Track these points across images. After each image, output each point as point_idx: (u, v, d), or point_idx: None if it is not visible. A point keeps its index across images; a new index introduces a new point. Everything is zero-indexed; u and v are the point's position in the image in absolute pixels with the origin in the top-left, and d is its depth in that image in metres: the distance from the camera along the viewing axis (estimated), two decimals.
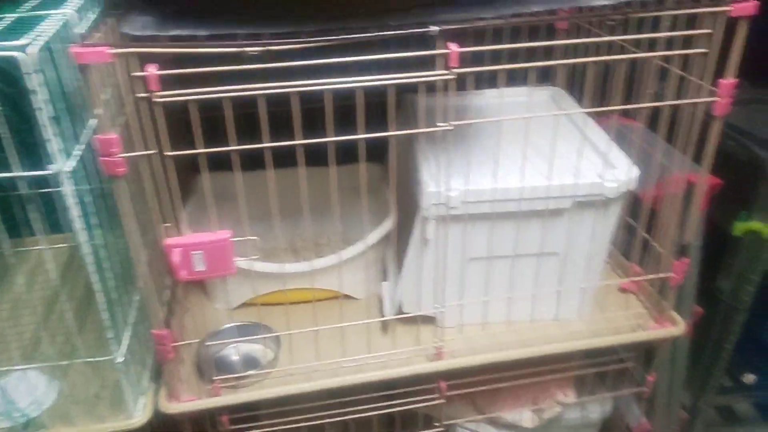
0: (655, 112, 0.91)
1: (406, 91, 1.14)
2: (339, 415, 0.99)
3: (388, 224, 1.08)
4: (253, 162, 0.78)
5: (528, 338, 1.01)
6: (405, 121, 1.18)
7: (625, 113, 0.93)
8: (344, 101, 0.76)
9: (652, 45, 0.85)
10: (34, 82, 0.61)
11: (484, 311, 1.00)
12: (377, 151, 0.94)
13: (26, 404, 0.87)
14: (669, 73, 0.89)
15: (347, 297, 1.12)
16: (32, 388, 0.90)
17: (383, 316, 1.03)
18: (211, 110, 0.72)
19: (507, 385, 1.03)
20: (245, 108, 0.75)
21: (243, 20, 0.72)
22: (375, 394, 1.01)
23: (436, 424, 1.06)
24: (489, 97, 1.18)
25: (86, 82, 0.67)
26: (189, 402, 0.90)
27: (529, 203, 0.92)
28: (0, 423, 0.85)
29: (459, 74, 0.75)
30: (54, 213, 0.75)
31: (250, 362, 0.99)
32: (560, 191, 0.91)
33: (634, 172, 0.93)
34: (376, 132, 0.78)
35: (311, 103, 0.75)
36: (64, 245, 1.11)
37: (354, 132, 0.77)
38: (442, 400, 1.01)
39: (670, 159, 0.95)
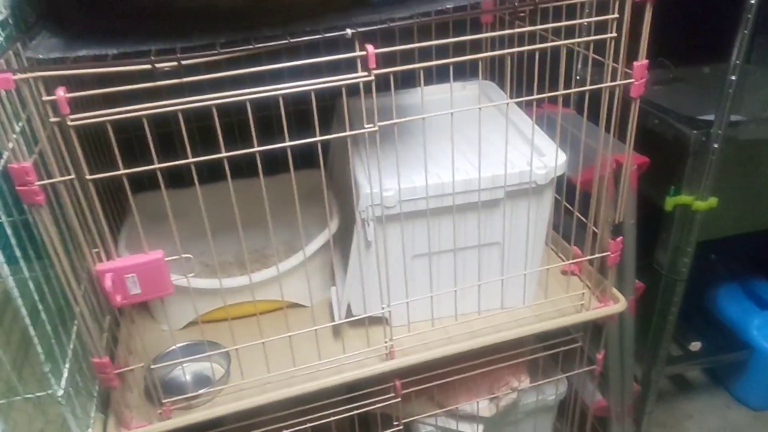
0: (582, 97, 0.94)
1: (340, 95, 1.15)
2: (299, 423, 0.98)
3: (328, 230, 1.08)
4: (188, 178, 0.77)
5: (477, 329, 1.02)
6: (339, 125, 1.18)
7: (553, 101, 0.95)
8: (267, 111, 0.76)
9: (569, 33, 0.88)
10: None
11: (432, 307, 1.01)
12: (315, 158, 0.94)
13: None
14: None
15: (296, 305, 1.11)
16: None
17: (334, 322, 1.03)
18: (132, 130, 0.71)
19: (461, 377, 1.04)
20: (165, 126, 0.74)
21: (153, 36, 0.70)
22: (333, 399, 1.01)
23: (395, 423, 1.06)
24: (417, 95, 1.19)
25: (5, 108, 0.65)
26: (139, 428, 0.88)
27: (464, 196, 0.93)
28: None
29: (378, 75, 0.75)
30: None
31: (203, 381, 0.97)
32: (492, 182, 0.92)
33: (562, 157, 0.95)
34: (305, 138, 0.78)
35: (235, 115, 0.74)
36: None
37: (281, 141, 0.76)
38: (398, 399, 1.01)
39: (599, 142, 0.98)
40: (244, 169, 0.84)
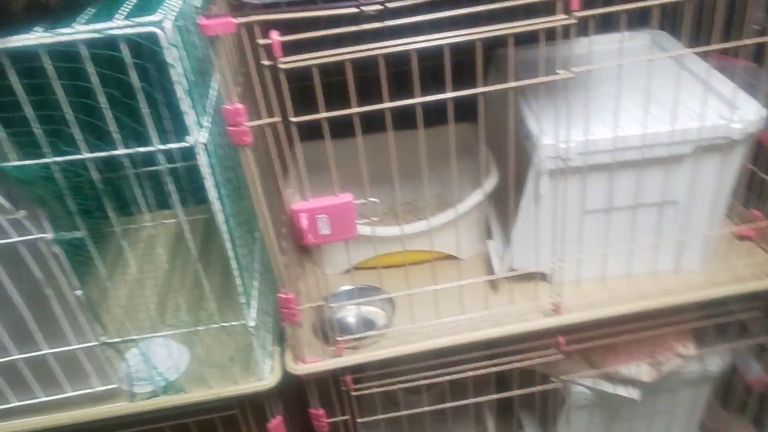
0: (761, 50, 0.85)
1: (496, 46, 1.12)
2: (456, 372, 1.00)
3: (490, 183, 1.07)
4: (346, 129, 0.78)
5: (647, 291, 0.98)
6: (497, 76, 1.15)
7: (725, 52, 0.87)
8: (430, 61, 0.74)
9: None
10: (171, 55, 0.63)
11: (602, 265, 0.98)
12: (467, 112, 0.92)
13: (165, 369, 0.92)
14: None
15: (448, 258, 1.12)
16: (168, 355, 0.95)
17: (492, 275, 1.02)
18: (333, 74, 0.72)
19: (625, 339, 1.01)
20: (358, 71, 0.75)
21: None
22: (489, 351, 1.02)
23: (553, 380, 1.05)
24: (586, 45, 1.14)
25: (215, 53, 0.68)
26: (314, 363, 0.93)
27: (647, 151, 0.88)
28: (143, 387, 0.91)
29: (579, 18, 0.72)
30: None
31: (367, 323, 1.01)
32: (683, 136, 0.87)
33: (763, 112, 0.87)
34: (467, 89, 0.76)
35: (398, 65, 0.73)
36: (173, 220, 1.16)
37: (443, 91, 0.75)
38: (560, 356, 1.00)
39: None
40: (400, 120, 0.84)
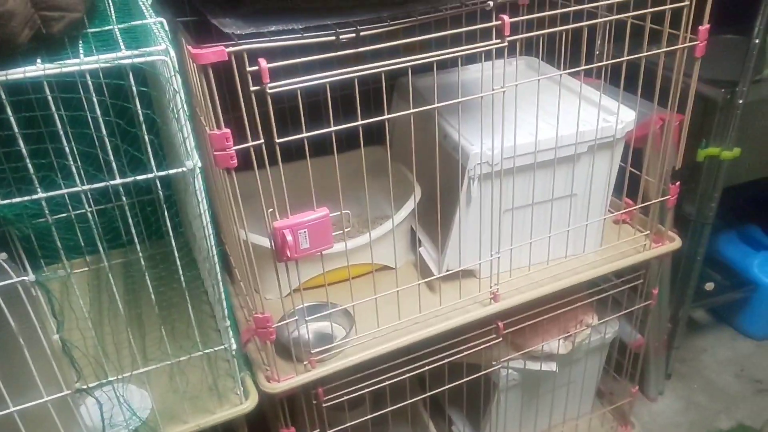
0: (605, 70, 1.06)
1: (398, 76, 1.25)
2: (414, 369, 1.08)
3: (417, 196, 1.18)
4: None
5: (560, 272, 1.15)
6: (399, 102, 1.29)
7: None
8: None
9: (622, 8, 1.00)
10: (176, 82, 0.65)
11: (525, 255, 1.13)
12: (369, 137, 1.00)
13: (137, 409, 0.89)
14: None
15: (385, 268, 1.21)
16: (131, 396, 0.92)
17: (425, 278, 1.11)
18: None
19: (548, 316, 1.17)
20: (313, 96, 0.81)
21: (327, 12, 0.79)
22: (431, 348, 1.11)
23: (494, 364, 1.18)
24: (476, 71, 1.31)
25: (206, 81, 0.72)
26: (287, 380, 0.96)
27: (559, 151, 1.05)
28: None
29: (510, 42, 0.87)
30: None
31: (325, 338, 1.05)
32: (582, 137, 1.05)
33: (631, 114, 1.09)
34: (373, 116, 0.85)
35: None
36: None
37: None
38: (499, 340, 1.13)
39: (637, 104, 1.11)
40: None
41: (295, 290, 0.99)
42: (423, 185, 1.18)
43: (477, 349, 1.12)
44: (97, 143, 0.71)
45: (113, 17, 0.75)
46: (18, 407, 0.77)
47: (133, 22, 0.74)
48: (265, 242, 0.92)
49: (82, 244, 0.77)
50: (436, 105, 0.90)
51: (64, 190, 0.65)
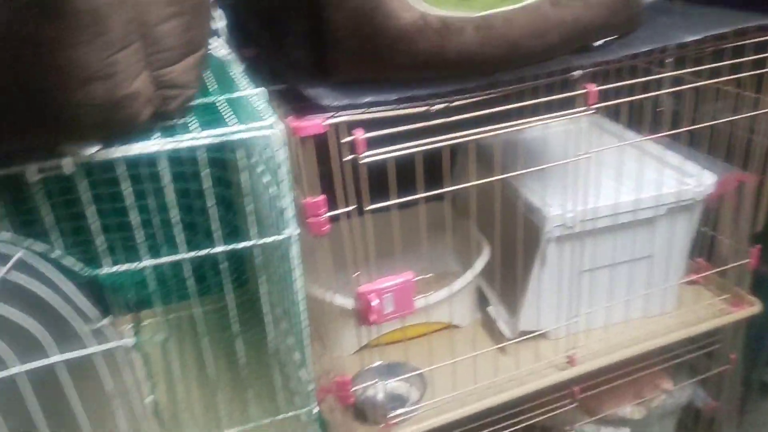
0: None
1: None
2: None
3: (485, 255, 1.18)
4: None
5: (638, 335, 1.12)
6: (463, 162, 1.30)
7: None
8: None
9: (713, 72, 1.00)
10: (282, 155, 0.67)
11: (603, 317, 1.11)
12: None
13: None
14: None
15: (447, 327, 1.19)
16: None
17: (492, 337, 1.10)
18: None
19: (624, 380, 1.13)
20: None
21: (414, 84, 0.81)
22: (506, 413, 1.09)
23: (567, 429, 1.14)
24: (540, 128, 1.31)
25: (305, 152, 0.74)
26: None
27: (636, 214, 1.04)
28: None
29: (596, 109, 0.87)
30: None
31: (397, 399, 1.04)
32: (661, 200, 1.04)
33: (711, 177, 1.08)
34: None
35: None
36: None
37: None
38: (575, 405, 1.10)
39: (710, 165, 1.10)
40: None
41: (363, 348, 0.99)
42: (492, 244, 1.17)
43: (552, 414, 1.09)
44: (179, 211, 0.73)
45: (214, 88, 0.79)
46: None
47: (235, 94, 0.76)
48: (348, 302, 0.92)
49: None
50: (520, 171, 0.90)
51: (169, 258, 0.67)
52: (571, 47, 0.84)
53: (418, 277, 0.87)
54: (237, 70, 0.87)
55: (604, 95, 0.88)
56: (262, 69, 1.00)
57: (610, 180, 1.08)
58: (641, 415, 1.21)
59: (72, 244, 0.67)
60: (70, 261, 0.64)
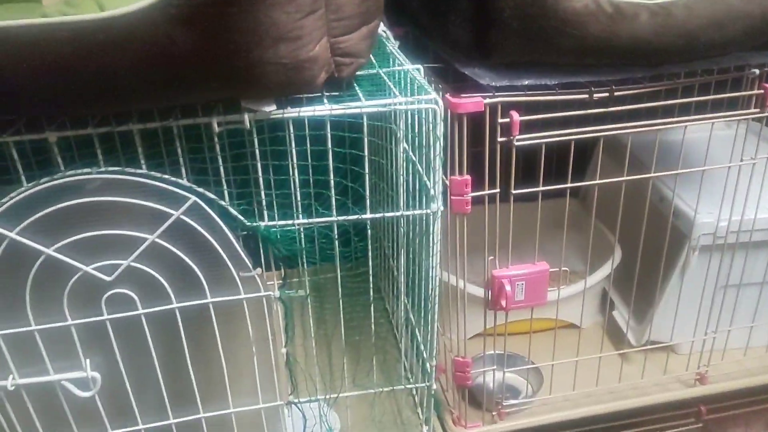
0: None
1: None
2: None
3: (617, 257, 1.13)
4: None
5: None
6: (605, 160, 1.24)
7: None
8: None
9: None
10: (440, 130, 0.68)
11: (743, 337, 1.03)
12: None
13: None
14: None
15: (569, 326, 1.16)
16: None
17: (613, 342, 1.05)
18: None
19: (758, 408, 1.05)
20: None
21: (574, 70, 0.78)
22: (623, 422, 1.05)
23: None
24: (691, 131, 1.23)
25: (460, 129, 0.74)
26: (475, 427, 0.95)
27: None
28: None
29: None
30: None
31: (510, 390, 1.03)
32: None
33: None
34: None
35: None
36: None
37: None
38: (699, 425, 1.03)
39: None
40: None
41: (480, 335, 0.98)
42: (622, 246, 1.12)
43: (673, 431, 1.03)
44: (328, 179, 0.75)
45: (373, 60, 0.80)
46: (237, 409, 0.84)
47: (395, 67, 0.78)
48: (476, 290, 0.92)
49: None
50: (674, 171, 0.86)
51: (325, 219, 0.70)
52: (753, 43, 0.78)
53: (553, 269, 0.85)
54: (393, 47, 0.88)
55: None
56: (413, 47, 1.01)
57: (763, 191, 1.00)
58: None
59: (235, 197, 0.71)
60: (235, 211, 0.69)
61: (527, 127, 0.77)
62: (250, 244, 0.74)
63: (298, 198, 0.70)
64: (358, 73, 0.77)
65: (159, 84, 0.60)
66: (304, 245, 0.73)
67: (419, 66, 0.78)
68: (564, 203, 1.27)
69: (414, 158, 0.76)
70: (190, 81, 0.60)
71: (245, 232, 0.71)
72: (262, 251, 0.73)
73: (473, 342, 0.96)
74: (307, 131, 0.75)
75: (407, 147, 0.76)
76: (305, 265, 0.77)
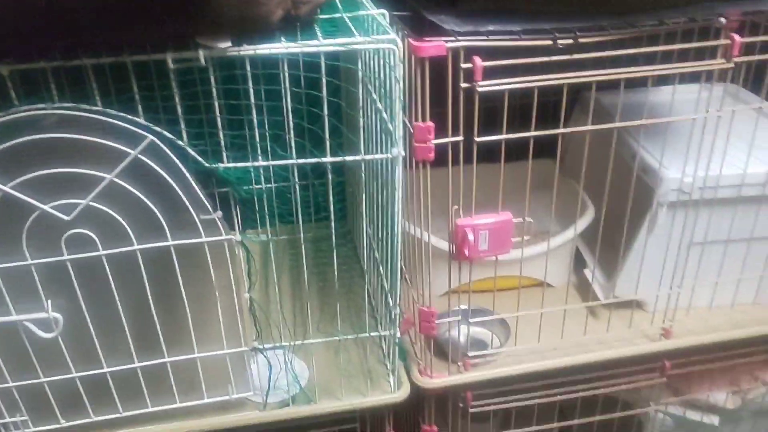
0: None
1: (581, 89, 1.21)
2: (566, 393, 1.04)
3: (589, 215, 1.14)
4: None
5: (743, 320, 1.05)
6: (580, 117, 1.24)
7: None
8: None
9: None
10: (399, 72, 0.68)
11: (708, 294, 1.04)
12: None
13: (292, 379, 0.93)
14: None
15: (539, 284, 1.17)
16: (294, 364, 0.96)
17: (585, 301, 1.07)
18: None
19: (721, 365, 1.07)
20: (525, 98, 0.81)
21: (541, 16, 0.78)
22: (588, 375, 1.06)
23: (651, 404, 1.10)
24: (667, 93, 1.23)
25: (422, 73, 0.74)
26: (440, 378, 0.96)
27: (764, 188, 0.96)
28: (276, 396, 0.91)
29: (736, 64, 0.80)
30: None
31: (478, 344, 1.04)
32: None
33: None
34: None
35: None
36: None
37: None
38: (663, 379, 1.05)
39: None
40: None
41: (452, 291, 0.99)
42: (595, 204, 1.13)
43: (637, 385, 1.05)
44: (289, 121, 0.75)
45: (339, 5, 0.80)
46: (201, 354, 0.84)
47: (359, 12, 0.77)
48: (442, 244, 0.92)
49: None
50: (639, 122, 0.86)
51: (283, 161, 0.70)
52: None
53: (516, 220, 0.85)
54: None
55: (748, 51, 0.81)
56: None
57: (739, 151, 1.00)
58: (734, 406, 1.15)
59: (192, 138, 0.71)
60: (194, 151, 0.69)
61: (493, 76, 0.77)
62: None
63: (257, 138, 0.69)
64: (321, 16, 0.76)
65: (112, 18, 0.60)
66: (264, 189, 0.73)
67: (384, 11, 0.77)
68: (541, 165, 1.27)
69: (377, 101, 0.76)
70: (143, 14, 0.60)
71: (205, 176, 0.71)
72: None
73: (444, 299, 0.97)
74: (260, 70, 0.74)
75: (371, 90, 0.76)
76: (271, 215, 0.77)
